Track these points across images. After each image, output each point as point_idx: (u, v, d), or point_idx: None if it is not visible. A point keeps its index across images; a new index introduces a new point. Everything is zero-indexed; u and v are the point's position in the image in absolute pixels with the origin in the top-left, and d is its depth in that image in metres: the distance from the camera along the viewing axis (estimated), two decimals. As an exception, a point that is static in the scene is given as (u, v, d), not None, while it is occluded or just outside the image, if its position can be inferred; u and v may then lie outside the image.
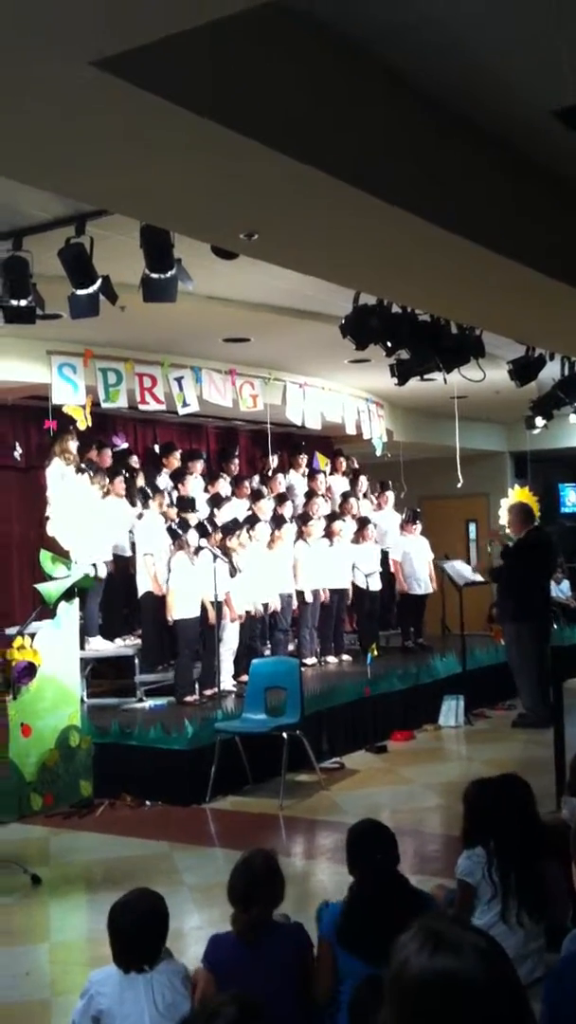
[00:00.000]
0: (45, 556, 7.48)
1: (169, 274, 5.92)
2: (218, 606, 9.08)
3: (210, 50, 3.48)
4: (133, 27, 2.97)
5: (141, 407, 9.47)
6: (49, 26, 2.91)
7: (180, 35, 3.04)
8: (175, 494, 10.09)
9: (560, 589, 15.93)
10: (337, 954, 3.33)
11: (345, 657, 11.38)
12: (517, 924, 3.81)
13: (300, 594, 10.75)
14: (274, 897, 3.44)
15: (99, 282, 6.09)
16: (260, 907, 3.39)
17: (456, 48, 4.24)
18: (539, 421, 11.16)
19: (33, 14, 2.83)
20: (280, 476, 11.83)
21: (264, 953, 3.34)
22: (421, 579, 12.18)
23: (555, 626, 12.29)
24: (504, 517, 11.22)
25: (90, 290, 6.10)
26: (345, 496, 12.19)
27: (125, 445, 10.97)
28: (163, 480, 10.54)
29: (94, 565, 8.98)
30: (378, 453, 12.64)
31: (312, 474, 12.29)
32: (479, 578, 11.46)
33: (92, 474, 9.15)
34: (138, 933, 3.18)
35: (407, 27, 4.05)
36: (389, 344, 7.40)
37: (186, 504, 9.69)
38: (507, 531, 10.70)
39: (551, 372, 9.59)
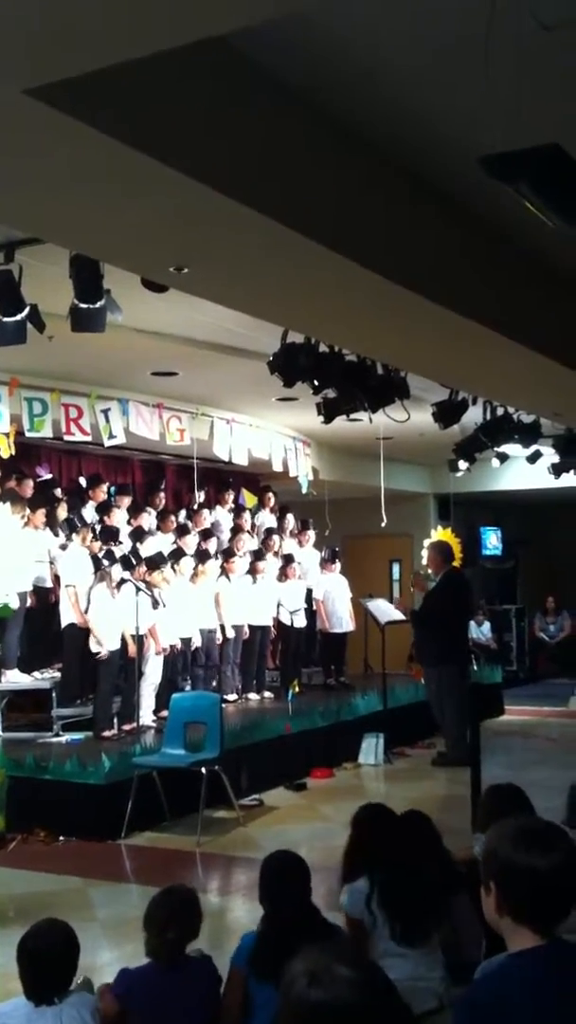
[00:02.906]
0: (-37, 586, 7.40)
1: (98, 304, 5.92)
2: (139, 640, 9.02)
3: (145, 84, 3.52)
4: (68, 57, 3.00)
5: (66, 438, 9.41)
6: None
7: (115, 67, 3.07)
8: (99, 527, 10.02)
9: (481, 631, 16.15)
10: (251, 984, 3.31)
11: (267, 694, 11.39)
12: (407, 946, 3.76)
13: (222, 629, 10.73)
14: (191, 928, 3.42)
15: (27, 310, 6.07)
16: (176, 934, 3.35)
17: (391, 96, 4.35)
18: (462, 464, 11.34)
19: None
20: (206, 511, 11.84)
21: (175, 984, 3.31)
22: (342, 617, 12.24)
23: (474, 667, 12.45)
24: (425, 556, 11.36)
25: (17, 317, 6.08)
26: (270, 532, 12.23)
27: (49, 476, 10.89)
28: (88, 512, 10.48)
29: (18, 595, 8.88)
30: (304, 491, 12.70)
31: (238, 510, 12.31)
32: (401, 616, 11.55)
33: (12, 504, 9.05)
34: (47, 963, 3.13)
35: (343, 74, 4.15)
36: (316, 383, 7.47)
37: (109, 534, 9.65)
38: (428, 571, 10.82)
39: (474, 416, 9.76)
